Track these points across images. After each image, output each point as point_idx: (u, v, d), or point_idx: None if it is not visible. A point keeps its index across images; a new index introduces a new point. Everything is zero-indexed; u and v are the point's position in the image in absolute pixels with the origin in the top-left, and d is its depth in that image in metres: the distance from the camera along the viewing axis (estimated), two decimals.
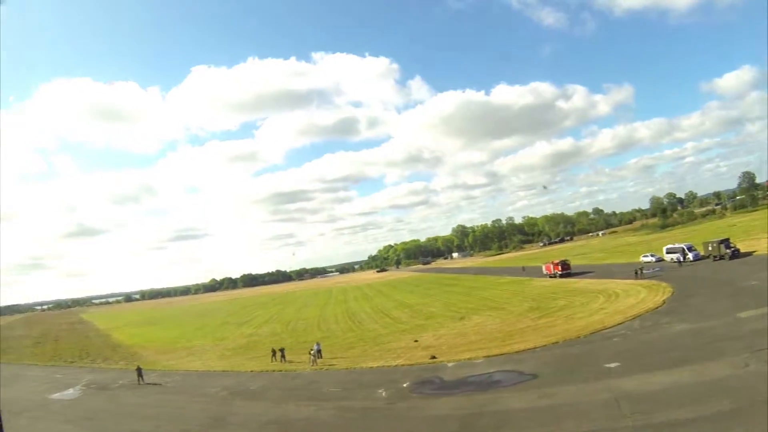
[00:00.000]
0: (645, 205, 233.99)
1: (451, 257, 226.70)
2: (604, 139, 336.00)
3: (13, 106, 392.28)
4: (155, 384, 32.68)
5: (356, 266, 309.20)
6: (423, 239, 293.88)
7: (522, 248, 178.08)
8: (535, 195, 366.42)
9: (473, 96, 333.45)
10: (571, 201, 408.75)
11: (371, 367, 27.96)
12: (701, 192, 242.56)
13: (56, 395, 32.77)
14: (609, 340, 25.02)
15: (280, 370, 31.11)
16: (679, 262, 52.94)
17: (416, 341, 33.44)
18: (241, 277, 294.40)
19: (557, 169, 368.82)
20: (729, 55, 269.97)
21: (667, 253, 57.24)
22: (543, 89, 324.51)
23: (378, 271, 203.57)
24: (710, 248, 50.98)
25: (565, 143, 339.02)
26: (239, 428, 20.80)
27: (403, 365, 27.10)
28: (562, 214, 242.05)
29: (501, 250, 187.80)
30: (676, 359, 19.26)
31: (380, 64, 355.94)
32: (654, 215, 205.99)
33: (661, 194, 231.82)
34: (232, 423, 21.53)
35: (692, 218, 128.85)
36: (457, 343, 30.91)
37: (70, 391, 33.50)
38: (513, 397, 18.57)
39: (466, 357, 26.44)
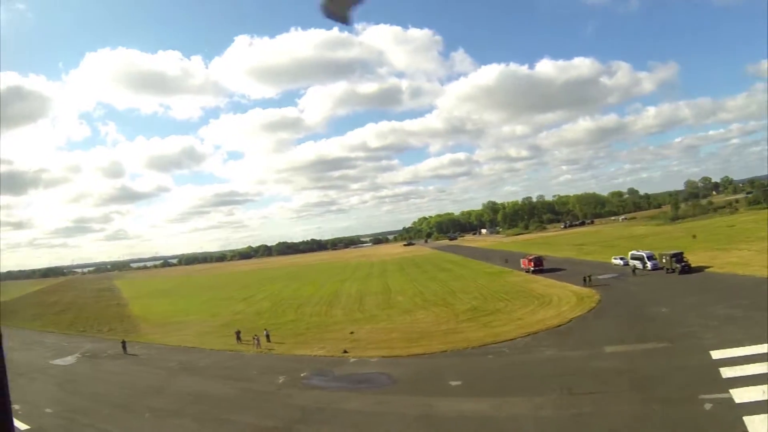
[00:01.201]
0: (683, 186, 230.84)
1: (480, 233, 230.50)
2: (648, 117, 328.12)
3: (61, 74, 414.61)
4: (134, 355, 40.56)
5: (391, 237, 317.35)
6: (458, 212, 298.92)
7: (545, 228, 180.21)
8: (578, 170, 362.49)
9: (517, 69, 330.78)
10: (615, 177, 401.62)
11: (297, 355, 34.37)
12: (747, 175, 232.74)
13: (57, 361, 41.22)
14: (483, 357, 28.86)
15: (231, 350, 38.30)
16: (634, 270, 54.86)
17: (352, 333, 39.37)
18: (276, 245, 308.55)
19: (600, 145, 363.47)
20: None
21: (632, 258, 59.33)
22: (587, 65, 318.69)
23: (405, 245, 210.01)
24: (664, 260, 53.18)
25: (609, 119, 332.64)
26: (168, 396, 27.83)
27: (320, 356, 33.34)
28: (594, 193, 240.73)
29: (527, 228, 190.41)
30: (500, 388, 22.63)
31: (423, 35, 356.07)
32: (686, 200, 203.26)
33: (706, 175, 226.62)
34: (165, 393, 28.60)
35: (704, 211, 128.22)
36: (378, 339, 36.56)
37: (69, 358, 41.89)
38: (357, 399, 23.93)
39: (369, 354, 32.19)
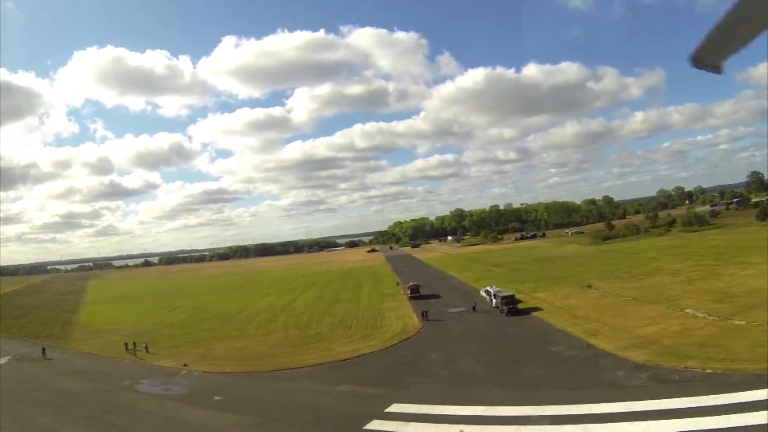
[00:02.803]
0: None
1: (446, 240, 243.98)
2: (636, 122, 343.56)
3: (50, 71, 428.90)
4: (49, 360, 54.50)
5: (367, 239, 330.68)
6: (433, 217, 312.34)
7: (499, 239, 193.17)
8: (567, 173, 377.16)
9: (503, 73, 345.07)
10: (604, 181, 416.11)
11: (153, 365, 47.89)
12: (738, 179, 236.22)
13: None
14: (264, 379, 41.66)
15: (117, 358, 52.18)
16: (474, 307, 58.39)
17: (211, 349, 52.89)
18: (254, 246, 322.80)
19: (589, 149, 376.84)
20: (763, 44, 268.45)
21: (484, 293, 63.36)
22: (573, 70, 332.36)
23: (368, 251, 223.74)
24: (497, 300, 56.68)
25: (597, 124, 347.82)
26: (44, 390, 41.63)
27: (167, 366, 46.97)
28: (564, 202, 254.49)
29: (486, 238, 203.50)
30: (238, 405, 36.36)
31: (409, 39, 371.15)
32: (654, 209, 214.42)
33: (696, 180, 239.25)
34: (44, 388, 42.39)
35: (635, 232, 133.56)
36: (224, 356, 48.80)
37: (1, 360, 56.12)
38: (151, 401, 37.20)
39: (202, 369, 44.86)
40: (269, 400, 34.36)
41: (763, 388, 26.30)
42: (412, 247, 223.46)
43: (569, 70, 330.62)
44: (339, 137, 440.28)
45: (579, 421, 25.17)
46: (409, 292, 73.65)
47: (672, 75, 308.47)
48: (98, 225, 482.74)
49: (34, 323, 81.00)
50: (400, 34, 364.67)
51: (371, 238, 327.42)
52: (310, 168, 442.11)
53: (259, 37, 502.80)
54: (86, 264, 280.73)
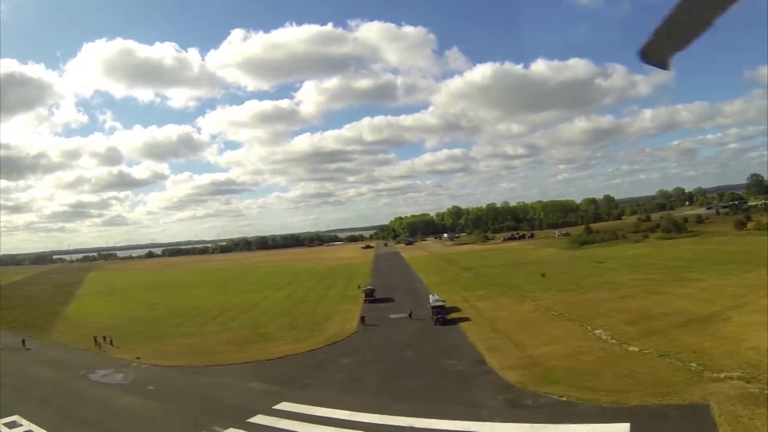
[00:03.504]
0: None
1: (443, 237, 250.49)
2: (645, 119, 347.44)
3: (59, 63, 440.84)
4: (27, 350, 62.31)
5: (367, 234, 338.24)
6: (433, 213, 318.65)
7: (489, 239, 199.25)
8: (575, 169, 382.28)
9: (511, 69, 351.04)
10: (612, 178, 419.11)
11: (113, 357, 55.31)
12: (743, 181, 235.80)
13: None
14: (188, 375, 51.16)
15: (85, 350, 59.84)
16: (410, 315, 62.60)
17: (164, 345, 60.32)
18: (255, 240, 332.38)
19: (597, 146, 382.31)
20: None
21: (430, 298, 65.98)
22: (581, 66, 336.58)
23: (363, 248, 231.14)
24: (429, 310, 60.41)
25: (605, 120, 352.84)
26: (16, 376, 48.85)
27: (123, 359, 54.40)
28: (563, 200, 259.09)
29: (477, 237, 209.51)
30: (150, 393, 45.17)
31: (417, 33, 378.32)
32: (652, 211, 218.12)
33: (706, 177, 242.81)
34: (17, 375, 49.64)
35: (613, 237, 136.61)
36: (175, 351, 55.82)
37: None
38: (95, 388, 45.33)
39: (152, 362, 52.14)
40: (188, 391, 41.29)
41: (598, 422, 27.94)
42: (406, 244, 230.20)
43: (577, 67, 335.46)
44: (347, 130, 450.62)
45: None
46: (364, 295, 78.77)
47: (681, 73, 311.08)
48: (106, 215, 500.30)
49: (26, 315, 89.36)
50: (408, 29, 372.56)
51: (372, 232, 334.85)
52: (319, 160, 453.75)
53: (267, 30, 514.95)
54: (91, 254, 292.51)
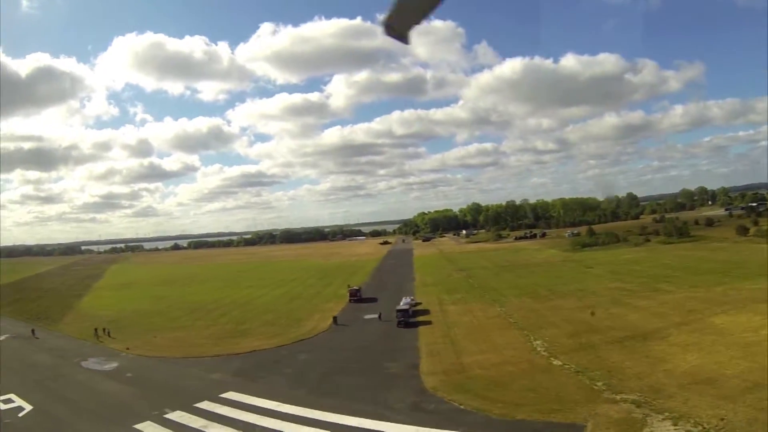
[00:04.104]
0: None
1: (461, 234, 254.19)
2: (675, 115, 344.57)
3: (90, 57, 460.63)
4: (36, 338, 70.61)
5: (392, 229, 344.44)
6: (456, 209, 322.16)
7: (503, 238, 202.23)
8: (606, 165, 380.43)
9: (541, 64, 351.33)
10: (643, 174, 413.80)
11: (107, 347, 62.67)
12: None
13: None
14: (164, 362, 58.35)
15: (84, 340, 67.61)
16: (380, 316, 66.87)
17: (155, 337, 67.82)
18: (281, 233, 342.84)
19: (628, 141, 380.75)
20: None
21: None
22: (611, 61, 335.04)
23: (381, 243, 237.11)
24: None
25: (636, 116, 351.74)
26: (19, 362, 56.77)
27: (115, 348, 61.70)
28: (582, 198, 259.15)
29: (492, 235, 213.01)
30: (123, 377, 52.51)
31: (446, 27, 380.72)
32: (671, 210, 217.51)
33: (735, 178, 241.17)
34: (21, 360, 57.88)
35: (615, 240, 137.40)
36: (163, 344, 61.96)
37: (1, 337, 72.84)
38: (84, 374, 52.70)
39: (139, 353, 59.46)
40: (157, 379, 47.95)
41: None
42: (423, 240, 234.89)
43: (607, 62, 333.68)
44: (377, 123, 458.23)
45: (321, 426, 33.75)
46: (350, 295, 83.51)
47: (712, 69, 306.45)
48: (137, 206, 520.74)
49: (43, 306, 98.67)
50: (437, 23, 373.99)
51: (396, 227, 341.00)
52: (349, 153, 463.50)
53: (296, 24, 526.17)
54: (119, 246, 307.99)
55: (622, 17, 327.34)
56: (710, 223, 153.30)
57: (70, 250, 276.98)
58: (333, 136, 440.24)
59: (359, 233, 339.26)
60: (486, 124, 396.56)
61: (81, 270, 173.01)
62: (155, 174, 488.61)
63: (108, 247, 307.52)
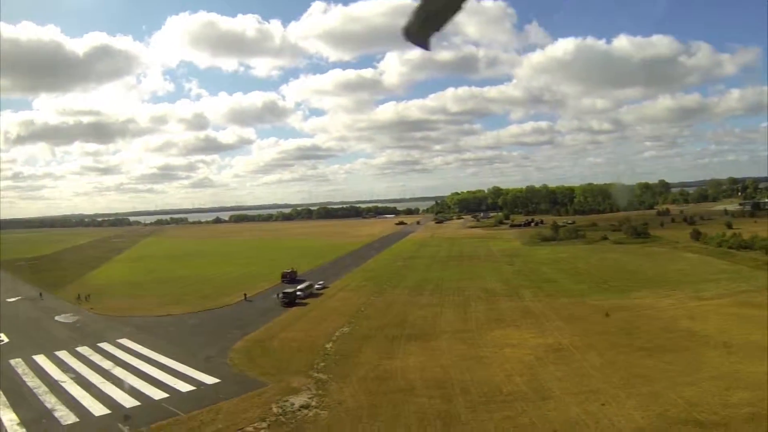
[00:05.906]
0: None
1: (478, 216, 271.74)
2: (732, 99, 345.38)
3: (145, 36, 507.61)
4: (42, 300, 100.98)
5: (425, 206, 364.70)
6: (487, 190, 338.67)
7: (504, 223, 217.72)
8: (662, 147, 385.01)
9: (593, 44, 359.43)
10: (701, 157, 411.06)
11: (81, 307, 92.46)
12: None
13: (8, 299, 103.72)
14: (130, 320, 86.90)
15: (69, 302, 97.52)
16: (278, 295, 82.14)
17: (116, 301, 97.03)
18: (317, 210, 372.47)
19: (684, 124, 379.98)
20: None
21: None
22: (665, 43, 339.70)
23: (397, 224, 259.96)
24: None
25: (691, 99, 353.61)
26: (22, 318, 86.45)
27: (86, 309, 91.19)
28: (602, 185, 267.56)
29: (496, 219, 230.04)
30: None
31: (496, 7, 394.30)
32: (693, 200, 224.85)
33: None
34: (23, 317, 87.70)
35: (574, 236, 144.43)
36: (140, 305, 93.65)
37: (14, 299, 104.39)
38: (60, 329, 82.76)
39: (95, 311, 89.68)
40: (89, 328, 74.81)
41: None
42: (437, 222, 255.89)
43: (661, 44, 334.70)
44: (431, 100, 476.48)
45: (150, 362, 63.17)
46: (281, 277, 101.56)
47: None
48: (194, 177, 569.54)
49: (59, 276, 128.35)
50: (488, 3, 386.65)
51: (429, 205, 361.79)
52: (404, 129, 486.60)
53: (346, 3, 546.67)
54: (164, 218, 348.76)
55: None
56: (692, 221, 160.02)
57: (119, 221, 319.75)
58: (387, 111, 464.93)
59: (394, 210, 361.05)
60: (540, 103, 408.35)
61: (115, 243, 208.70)
62: (211, 146, 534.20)
63: (154, 218, 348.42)
